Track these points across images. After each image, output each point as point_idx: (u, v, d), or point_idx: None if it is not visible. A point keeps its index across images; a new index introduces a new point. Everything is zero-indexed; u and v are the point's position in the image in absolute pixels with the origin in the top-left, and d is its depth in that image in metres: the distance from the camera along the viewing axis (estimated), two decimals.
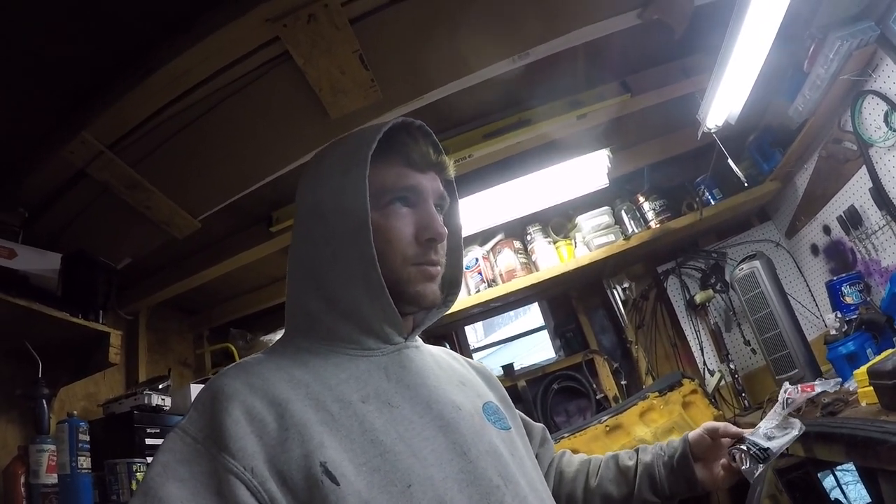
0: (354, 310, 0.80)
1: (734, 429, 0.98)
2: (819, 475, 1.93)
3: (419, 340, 0.90)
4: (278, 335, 2.70)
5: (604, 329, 3.04)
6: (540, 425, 1.13)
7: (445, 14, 1.59)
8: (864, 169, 2.05)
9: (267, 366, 0.76)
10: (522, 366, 3.10)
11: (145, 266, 2.29)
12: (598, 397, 2.82)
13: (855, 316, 1.94)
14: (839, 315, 1.95)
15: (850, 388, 1.76)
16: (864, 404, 1.62)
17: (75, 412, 1.62)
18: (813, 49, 1.88)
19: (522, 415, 1.07)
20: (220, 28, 1.47)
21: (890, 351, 1.64)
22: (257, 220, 2.39)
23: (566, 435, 2.48)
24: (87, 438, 1.58)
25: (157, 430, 1.97)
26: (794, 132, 2.24)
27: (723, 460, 0.96)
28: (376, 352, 0.81)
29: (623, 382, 2.83)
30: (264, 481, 0.62)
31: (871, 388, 1.54)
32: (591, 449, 2.42)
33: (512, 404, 1.02)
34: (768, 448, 0.92)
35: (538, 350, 3.28)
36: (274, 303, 2.85)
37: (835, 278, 2.20)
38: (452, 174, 0.92)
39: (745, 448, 0.93)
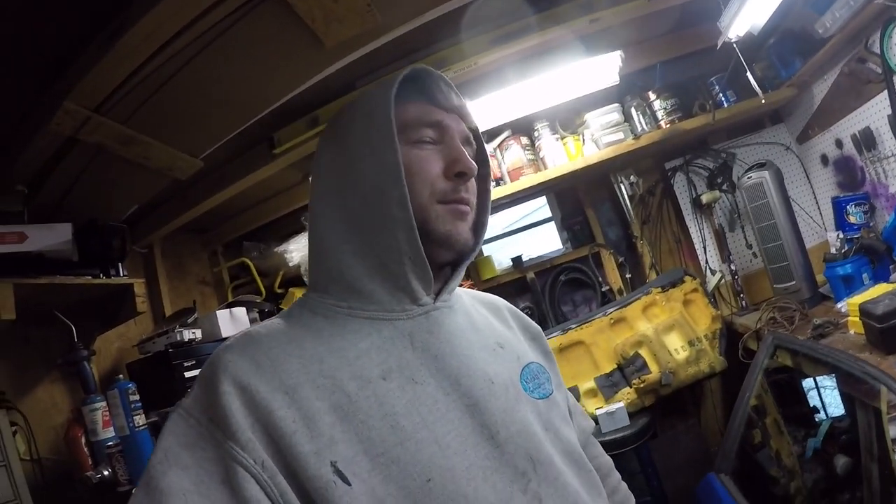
0: (382, 262, 0.74)
1: None
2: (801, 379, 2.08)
3: (452, 299, 0.82)
4: (292, 243, 2.79)
5: (610, 222, 3.06)
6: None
7: None
8: (885, 94, 1.96)
9: (277, 339, 0.70)
10: (531, 257, 3.18)
11: (152, 200, 2.26)
12: (603, 290, 2.93)
13: (857, 235, 1.97)
14: (840, 235, 1.97)
15: (842, 311, 1.85)
16: (852, 332, 1.72)
17: (120, 376, 1.73)
18: None
19: None
20: None
21: (886, 287, 1.69)
22: (258, 142, 2.32)
23: (573, 326, 2.64)
24: (137, 397, 1.69)
25: (193, 363, 2.10)
26: (818, 42, 2.10)
27: None
28: (401, 315, 0.74)
29: (627, 276, 2.92)
30: (274, 475, 0.59)
31: (861, 321, 1.62)
32: (595, 340, 2.59)
33: (554, 358, 0.96)
34: None
35: (546, 241, 3.33)
36: (283, 212, 2.85)
37: (841, 196, 2.19)
38: (476, 123, 0.87)
39: None
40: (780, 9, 1.92)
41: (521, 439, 0.71)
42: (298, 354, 0.68)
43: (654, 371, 2.45)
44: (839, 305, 1.89)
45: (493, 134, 2.83)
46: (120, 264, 1.94)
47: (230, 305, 2.45)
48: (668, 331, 2.54)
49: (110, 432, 1.72)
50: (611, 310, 2.64)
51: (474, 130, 0.86)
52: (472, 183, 0.81)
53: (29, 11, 1.31)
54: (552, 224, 3.23)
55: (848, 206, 2.16)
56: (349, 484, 0.60)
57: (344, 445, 0.62)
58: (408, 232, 0.72)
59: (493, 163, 2.84)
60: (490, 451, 0.68)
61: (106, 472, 1.63)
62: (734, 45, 2.05)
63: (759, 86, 2.36)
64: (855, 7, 1.78)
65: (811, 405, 2.04)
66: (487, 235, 3.35)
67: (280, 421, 0.61)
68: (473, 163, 0.78)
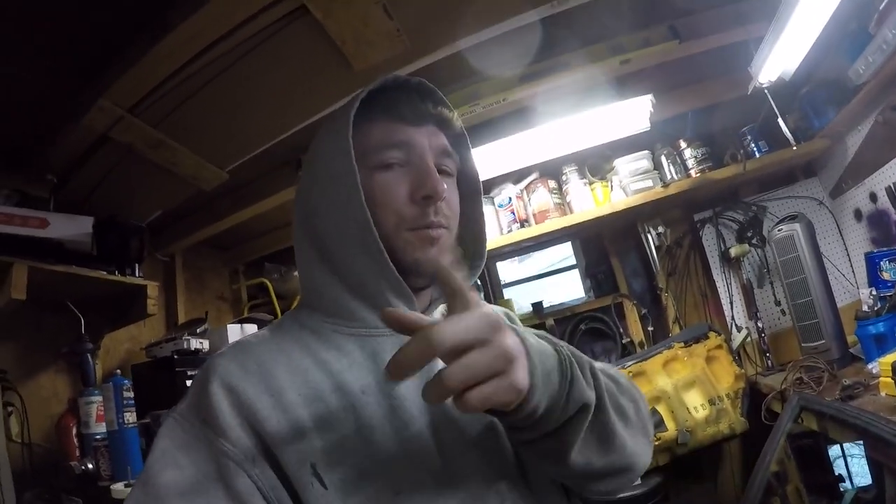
0: (359, 282, 0.75)
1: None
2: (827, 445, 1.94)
3: (435, 316, 0.81)
4: None
5: (635, 273, 2.99)
6: None
7: None
8: None
9: (267, 347, 0.73)
10: (552, 303, 3.11)
11: (178, 210, 2.33)
12: (624, 341, 2.84)
13: (890, 293, 1.86)
14: (874, 292, 1.87)
15: (874, 372, 1.73)
16: (883, 394, 1.62)
17: (118, 371, 1.74)
18: (883, 8, 1.68)
19: None
20: None
21: None
22: (286, 163, 2.38)
23: None
24: (132, 395, 1.70)
25: (196, 372, 2.10)
26: (851, 91, 2.06)
27: None
28: (384, 331, 0.74)
29: (650, 328, 2.82)
30: (264, 469, 0.62)
31: (893, 381, 1.52)
32: None
33: None
34: None
35: (568, 289, 3.26)
36: None
37: (875, 251, 2.10)
38: (460, 126, 0.83)
39: None
40: (813, 56, 1.89)
41: (486, 457, 0.71)
42: (286, 363, 0.70)
43: (671, 429, 2.33)
44: (870, 366, 1.77)
45: (520, 175, 2.84)
46: (137, 265, 1.99)
47: (243, 321, 2.46)
48: (689, 387, 2.42)
49: (102, 427, 1.72)
50: (630, 363, 2.53)
51: (461, 136, 0.83)
52: (451, 200, 0.79)
53: (70, 12, 1.39)
54: (576, 271, 3.18)
55: (882, 262, 2.06)
56: (326, 487, 0.62)
57: (323, 452, 0.64)
58: (379, 260, 0.72)
59: (518, 204, 2.84)
60: (456, 469, 0.69)
61: (90, 465, 1.62)
62: (766, 92, 2.02)
63: (792, 137, 2.32)
64: (888, 51, 1.74)
65: (836, 474, 1.89)
66: (510, 279, 3.25)
67: (265, 420, 0.63)
68: (442, 184, 0.74)
